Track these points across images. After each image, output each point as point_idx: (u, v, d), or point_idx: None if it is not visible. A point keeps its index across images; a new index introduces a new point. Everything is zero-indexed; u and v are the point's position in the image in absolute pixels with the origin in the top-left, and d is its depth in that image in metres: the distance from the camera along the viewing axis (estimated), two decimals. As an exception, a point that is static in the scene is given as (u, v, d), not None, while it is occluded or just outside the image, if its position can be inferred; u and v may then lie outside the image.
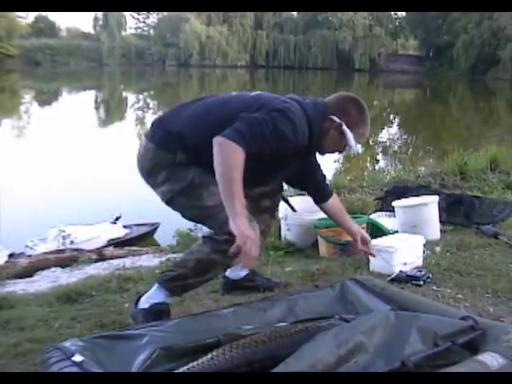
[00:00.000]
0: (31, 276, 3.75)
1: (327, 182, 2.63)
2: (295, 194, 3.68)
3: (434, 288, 2.61)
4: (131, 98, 27.36)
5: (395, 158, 11.41)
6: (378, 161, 11.16)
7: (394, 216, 3.66)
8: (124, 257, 4.29)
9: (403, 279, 2.68)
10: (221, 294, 2.62)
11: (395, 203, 3.65)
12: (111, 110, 21.95)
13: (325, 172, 2.59)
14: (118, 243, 5.50)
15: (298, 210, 3.24)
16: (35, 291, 3.05)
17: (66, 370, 1.53)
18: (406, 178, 5.60)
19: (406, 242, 2.96)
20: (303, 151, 2.20)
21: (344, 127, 2.20)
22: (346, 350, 1.51)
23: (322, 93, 17.77)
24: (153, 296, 2.20)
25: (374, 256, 2.69)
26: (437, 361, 1.58)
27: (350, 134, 2.21)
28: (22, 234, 5.47)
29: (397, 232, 3.44)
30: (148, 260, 3.79)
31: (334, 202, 2.59)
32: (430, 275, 2.73)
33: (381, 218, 3.70)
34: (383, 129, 16.37)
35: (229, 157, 1.93)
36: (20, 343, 2.10)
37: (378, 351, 1.56)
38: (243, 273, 2.61)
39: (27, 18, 48.94)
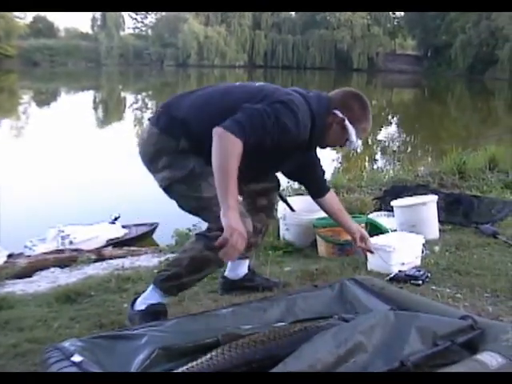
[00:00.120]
0: (30, 276, 3.74)
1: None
2: (294, 194, 3.68)
3: (433, 287, 2.60)
4: (129, 98, 27.32)
5: (394, 157, 11.38)
6: (376, 160, 11.14)
7: (393, 216, 3.66)
8: (123, 257, 4.27)
9: (402, 279, 2.68)
10: (220, 294, 2.61)
11: (394, 203, 3.65)
12: (109, 110, 21.92)
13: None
14: (116, 243, 5.49)
15: (296, 210, 3.26)
16: (34, 291, 3.05)
17: (65, 370, 1.53)
18: (404, 178, 5.60)
19: (404, 241, 2.95)
20: (304, 145, 2.19)
21: (346, 122, 2.21)
22: (345, 350, 1.51)
23: (321, 93, 17.67)
24: (149, 297, 2.19)
25: (372, 253, 2.68)
26: (436, 360, 1.58)
27: (351, 130, 2.22)
28: (21, 234, 5.45)
29: (395, 231, 3.43)
30: (147, 260, 3.78)
31: (331, 198, 2.58)
32: (429, 275, 2.73)
33: (379, 218, 3.69)
34: (382, 128, 16.33)
35: (227, 150, 1.91)
36: (19, 343, 2.09)
37: (377, 351, 1.56)
38: (242, 273, 2.61)
39: (25, 18, 49.12)
